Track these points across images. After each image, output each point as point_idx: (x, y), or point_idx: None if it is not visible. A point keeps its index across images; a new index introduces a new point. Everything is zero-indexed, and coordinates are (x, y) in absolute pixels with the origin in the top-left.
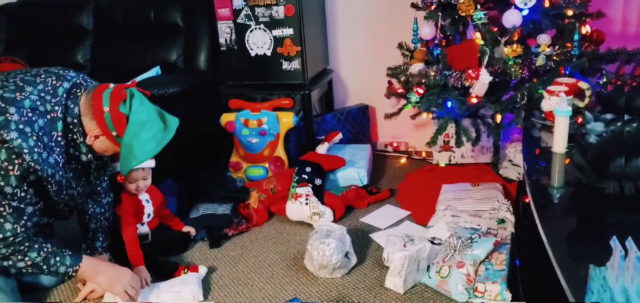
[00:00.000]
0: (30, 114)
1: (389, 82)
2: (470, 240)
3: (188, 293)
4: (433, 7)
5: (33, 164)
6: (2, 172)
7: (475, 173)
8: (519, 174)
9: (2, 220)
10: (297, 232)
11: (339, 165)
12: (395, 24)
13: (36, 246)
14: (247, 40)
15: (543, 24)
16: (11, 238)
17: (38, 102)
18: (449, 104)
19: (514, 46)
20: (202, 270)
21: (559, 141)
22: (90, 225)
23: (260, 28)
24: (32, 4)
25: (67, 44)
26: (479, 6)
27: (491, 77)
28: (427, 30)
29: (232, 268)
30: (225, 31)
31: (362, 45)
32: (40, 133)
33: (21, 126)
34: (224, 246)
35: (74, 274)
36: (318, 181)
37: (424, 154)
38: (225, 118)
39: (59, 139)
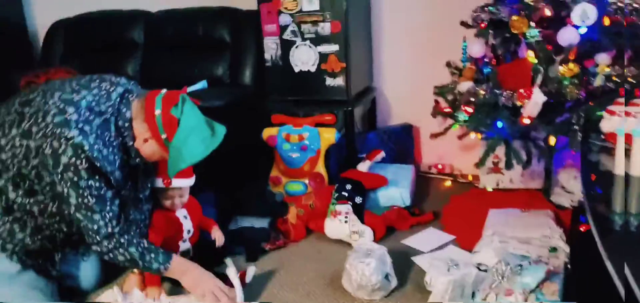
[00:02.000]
0: (87, 114)
1: (436, 101)
2: (519, 267)
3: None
4: (484, 25)
5: (93, 161)
6: (73, 168)
7: (524, 198)
8: (573, 201)
9: (90, 213)
10: (336, 250)
11: (381, 184)
12: (443, 43)
13: (135, 241)
14: (292, 56)
15: (602, 43)
16: (109, 229)
17: (93, 104)
18: (500, 124)
19: (570, 65)
20: (250, 271)
21: (636, 164)
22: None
23: (305, 44)
24: (88, 18)
25: (119, 56)
26: (532, 24)
27: (545, 97)
28: (477, 49)
29: (268, 283)
30: (271, 47)
31: (408, 63)
32: (98, 131)
33: (81, 125)
34: (260, 260)
35: (164, 271)
36: (358, 200)
37: (470, 178)
38: (267, 132)
39: (112, 139)
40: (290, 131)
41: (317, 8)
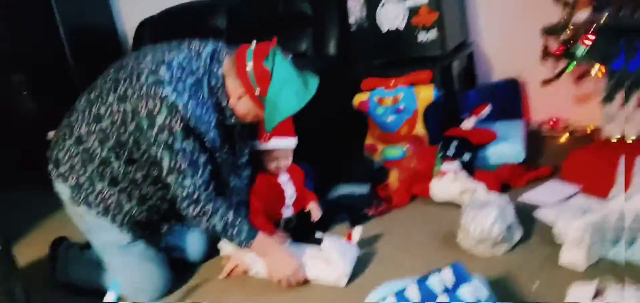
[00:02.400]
0: (179, 73)
1: (545, 45)
2: None
3: (333, 273)
4: None
5: (187, 118)
6: (167, 129)
7: None
8: None
9: (181, 177)
10: (446, 212)
11: (490, 139)
12: None
13: (220, 212)
14: (378, 15)
15: None
16: (196, 195)
17: (185, 63)
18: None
19: None
20: (357, 231)
21: None
22: (232, 200)
23: (392, 0)
24: (172, 13)
25: None
26: None
27: None
28: None
29: (376, 248)
30: (355, 9)
31: (507, 10)
32: (192, 91)
33: (174, 84)
34: (365, 227)
35: (246, 247)
36: (466, 157)
37: (589, 130)
38: (358, 99)
39: (206, 99)
40: (383, 95)
41: None
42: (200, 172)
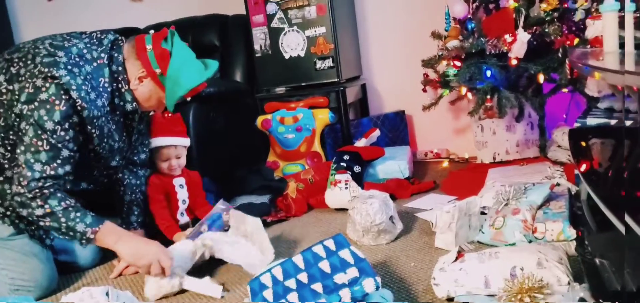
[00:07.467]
0: (77, 59)
1: (425, 74)
2: (523, 189)
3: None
4: None
5: (79, 101)
6: (48, 106)
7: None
8: (570, 156)
9: (33, 160)
10: (338, 217)
11: (379, 155)
12: (427, 29)
13: (59, 195)
14: (281, 43)
15: None
16: (40, 183)
17: (85, 51)
18: (488, 73)
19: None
20: None
21: (609, 39)
22: (125, 198)
23: (293, 30)
24: None
25: None
26: None
27: (529, 36)
28: (459, 8)
29: (273, 245)
30: (259, 37)
31: (395, 53)
32: (88, 77)
33: (69, 67)
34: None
35: (92, 236)
36: (357, 169)
37: (467, 156)
38: (262, 118)
39: (106, 85)
40: (285, 114)
41: None
42: (56, 163)
